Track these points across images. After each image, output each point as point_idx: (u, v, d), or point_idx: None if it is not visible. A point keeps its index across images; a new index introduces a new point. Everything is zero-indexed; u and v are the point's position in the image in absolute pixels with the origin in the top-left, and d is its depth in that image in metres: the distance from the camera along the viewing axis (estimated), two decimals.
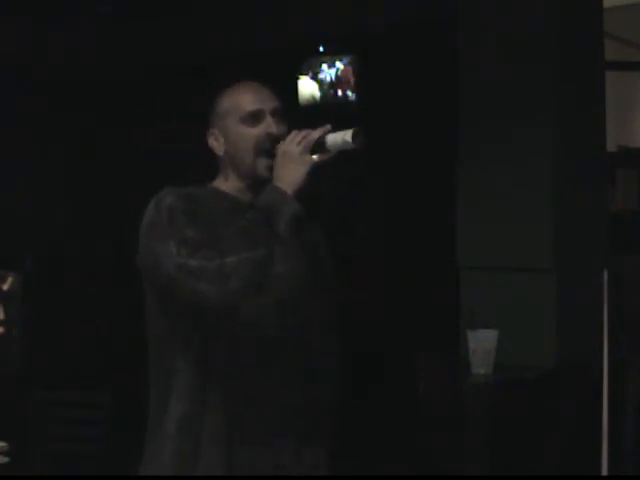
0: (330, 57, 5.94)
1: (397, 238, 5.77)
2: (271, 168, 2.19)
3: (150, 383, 2.25)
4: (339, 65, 5.88)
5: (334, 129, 2.19)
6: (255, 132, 2.23)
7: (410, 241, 5.70)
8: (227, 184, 2.28)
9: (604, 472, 3.36)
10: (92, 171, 6.60)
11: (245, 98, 2.26)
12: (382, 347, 5.61)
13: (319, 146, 2.15)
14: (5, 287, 5.90)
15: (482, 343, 3.97)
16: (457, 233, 4.55)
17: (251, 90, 2.29)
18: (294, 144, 2.15)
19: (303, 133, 2.17)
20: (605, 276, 3.31)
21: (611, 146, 5.61)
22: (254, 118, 2.24)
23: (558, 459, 3.97)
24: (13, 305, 5.91)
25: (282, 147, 2.16)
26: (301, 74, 5.95)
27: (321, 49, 6.00)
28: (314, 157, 2.15)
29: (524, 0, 4.35)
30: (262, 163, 2.21)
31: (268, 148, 2.21)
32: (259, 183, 2.22)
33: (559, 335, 4.21)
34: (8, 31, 6.19)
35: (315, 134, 2.16)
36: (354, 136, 2.12)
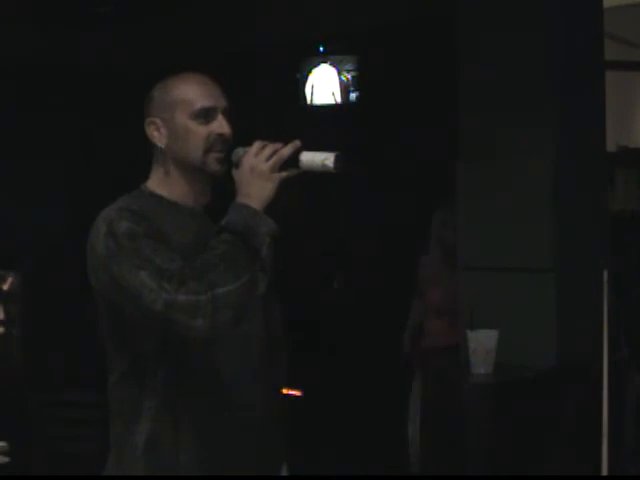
0: (330, 57, 5.94)
1: (397, 238, 5.78)
2: (220, 161, 2.13)
3: (112, 406, 2.19)
4: (336, 69, 5.89)
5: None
6: (206, 130, 2.15)
7: (410, 241, 5.70)
8: (167, 185, 2.18)
9: (604, 472, 3.36)
10: (92, 171, 6.60)
11: (197, 92, 2.17)
12: (382, 347, 5.61)
13: (291, 164, 2.08)
14: (5, 287, 5.89)
15: (482, 343, 3.97)
16: (457, 233, 4.55)
17: (203, 84, 2.20)
18: (262, 159, 2.07)
19: (271, 147, 2.08)
20: (605, 276, 3.30)
21: (611, 146, 5.61)
22: (206, 115, 2.16)
23: (558, 459, 3.97)
24: (13, 305, 5.90)
25: (248, 160, 2.08)
26: (302, 75, 5.96)
27: (321, 49, 6.00)
28: (283, 174, 2.08)
29: (524, 0, 4.35)
30: (212, 157, 2.14)
31: (218, 148, 2.14)
32: (205, 180, 2.18)
33: (559, 335, 4.21)
34: (8, 31, 6.19)
35: (286, 151, 2.08)
36: (336, 161, 2.05)
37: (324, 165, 2.05)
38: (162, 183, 2.20)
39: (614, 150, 6.42)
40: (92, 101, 6.54)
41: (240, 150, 2.12)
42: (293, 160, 2.08)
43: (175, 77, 2.21)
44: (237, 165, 2.11)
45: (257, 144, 2.10)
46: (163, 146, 2.17)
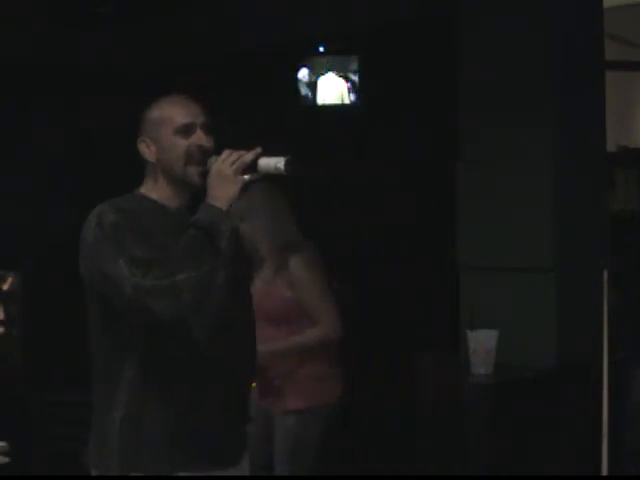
0: (330, 58, 5.94)
1: (397, 238, 5.77)
2: (201, 174, 2.38)
3: (94, 384, 2.44)
4: (341, 72, 5.89)
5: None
6: (186, 143, 2.42)
7: (410, 241, 5.70)
8: (156, 190, 2.47)
9: (604, 472, 3.36)
10: (92, 171, 6.60)
11: (179, 110, 2.45)
12: (382, 347, 5.61)
13: (251, 168, 2.32)
14: (5, 287, 5.89)
15: (482, 343, 3.97)
16: (457, 233, 4.55)
17: (184, 103, 2.48)
18: (227, 164, 2.33)
19: (236, 155, 2.33)
20: (605, 276, 3.31)
21: (611, 146, 5.61)
22: (187, 130, 2.42)
23: (558, 459, 3.97)
24: (13, 305, 5.90)
25: (216, 166, 2.35)
26: (302, 75, 5.96)
27: (321, 49, 6.00)
28: (245, 177, 2.33)
29: (524, 0, 4.35)
30: (193, 170, 2.41)
31: (198, 158, 2.40)
32: (188, 189, 2.45)
33: (559, 335, 4.21)
34: (8, 31, 6.19)
35: (248, 157, 2.33)
36: (286, 164, 2.29)
37: (276, 168, 2.31)
38: (152, 189, 2.49)
39: (614, 150, 6.42)
40: (92, 101, 6.54)
41: (213, 158, 2.37)
42: (254, 165, 2.34)
43: (161, 100, 2.52)
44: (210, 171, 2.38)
45: (225, 152, 2.36)
46: (153, 160, 2.47)
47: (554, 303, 4.22)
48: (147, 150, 2.48)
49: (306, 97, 5.93)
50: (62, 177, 6.66)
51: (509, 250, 4.32)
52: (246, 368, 2.56)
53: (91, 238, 2.32)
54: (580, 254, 4.36)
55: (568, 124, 4.35)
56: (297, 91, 5.94)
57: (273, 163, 2.30)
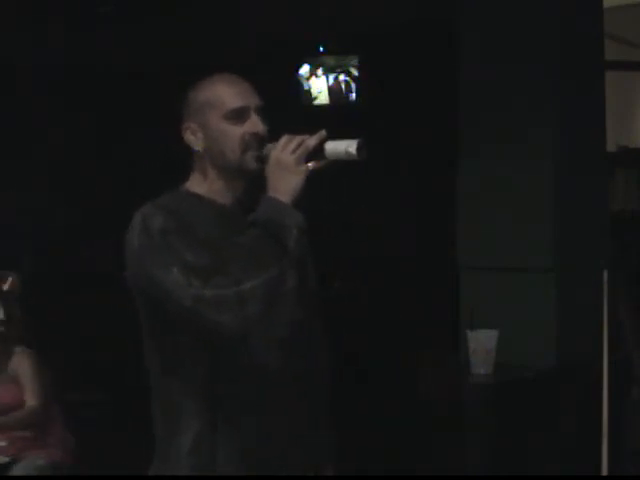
0: (330, 58, 5.95)
1: (397, 238, 5.78)
2: (259, 158, 2.09)
3: (154, 406, 2.16)
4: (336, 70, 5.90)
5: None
6: (241, 131, 2.11)
7: (410, 241, 5.70)
8: (206, 185, 2.16)
9: (604, 472, 3.36)
10: (92, 171, 6.60)
11: (228, 92, 2.13)
12: (383, 347, 5.62)
13: (316, 154, 2.05)
14: (5, 287, 5.89)
15: (482, 343, 3.97)
16: (457, 233, 4.55)
17: (233, 84, 2.16)
18: (288, 152, 2.04)
19: (297, 140, 2.06)
20: (605, 276, 3.31)
21: (611, 146, 5.61)
22: (239, 115, 2.12)
23: (558, 459, 3.97)
24: (13, 305, 5.90)
25: (275, 154, 2.04)
26: (302, 75, 5.96)
27: (321, 49, 6.01)
28: (309, 165, 2.05)
29: (524, 0, 4.36)
30: (249, 156, 2.11)
31: (254, 147, 2.10)
32: (243, 180, 2.14)
33: (559, 335, 4.21)
34: (8, 31, 6.19)
35: (311, 142, 2.05)
36: (359, 148, 2.02)
37: (347, 152, 2.02)
38: (201, 183, 2.17)
39: (614, 150, 6.43)
40: (92, 101, 6.54)
41: (270, 146, 2.08)
42: (320, 151, 2.05)
43: (206, 80, 2.19)
44: (267, 160, 2.08)
45: (285, 138, 2.07)
46: (200, 149, 2.15)
47: (554, 303, 4.22)
48: (193, 138, 2.14)
49: (306, 96, 5.93)
50: (62, 177, 6.67)
51: (509, 250, 4.32)
52: (318, 382, 2.23)
53: (137, 245, 2.03)
54: (580, 254, 4.36)
55: (568, 124, 4.35)
56: (297, 90, 5.94)
57: (343, 147, 2.02)
